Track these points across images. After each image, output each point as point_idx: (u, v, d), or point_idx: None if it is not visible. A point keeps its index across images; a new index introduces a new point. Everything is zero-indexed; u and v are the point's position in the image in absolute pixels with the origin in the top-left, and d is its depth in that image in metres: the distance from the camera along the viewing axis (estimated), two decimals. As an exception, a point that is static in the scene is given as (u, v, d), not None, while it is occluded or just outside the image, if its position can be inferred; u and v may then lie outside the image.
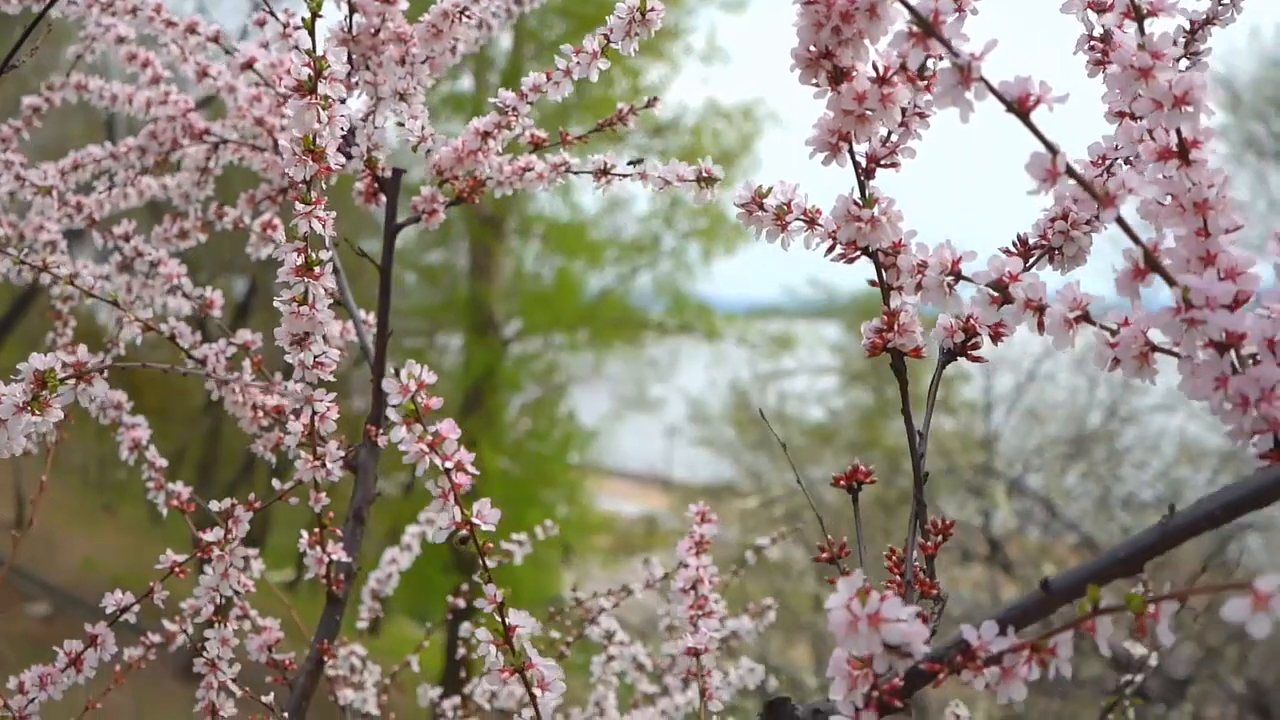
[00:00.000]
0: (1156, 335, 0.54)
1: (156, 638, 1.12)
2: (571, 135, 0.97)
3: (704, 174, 0.83)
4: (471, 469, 0.62)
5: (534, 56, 10.93)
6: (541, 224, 12.05)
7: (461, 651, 1.44)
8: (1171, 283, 0.50)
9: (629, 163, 0.90)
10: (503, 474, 10.74)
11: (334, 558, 0.96)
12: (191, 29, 1.08)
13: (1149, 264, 0.51)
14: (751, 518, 8.29)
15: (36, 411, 0.67)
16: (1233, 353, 0.52)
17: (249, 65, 1.01)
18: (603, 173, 0.94)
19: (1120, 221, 0.51)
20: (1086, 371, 7.79)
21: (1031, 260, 0.68)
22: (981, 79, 0.49)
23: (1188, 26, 0.73)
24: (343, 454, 0.90)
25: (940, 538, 0.62)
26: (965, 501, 6.32)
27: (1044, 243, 0.67)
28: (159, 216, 1.30)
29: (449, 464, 0.61)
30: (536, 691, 0.64)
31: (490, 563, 0.65)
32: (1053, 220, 0.67)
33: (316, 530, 0.95)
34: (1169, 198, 0.54)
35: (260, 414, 1.01)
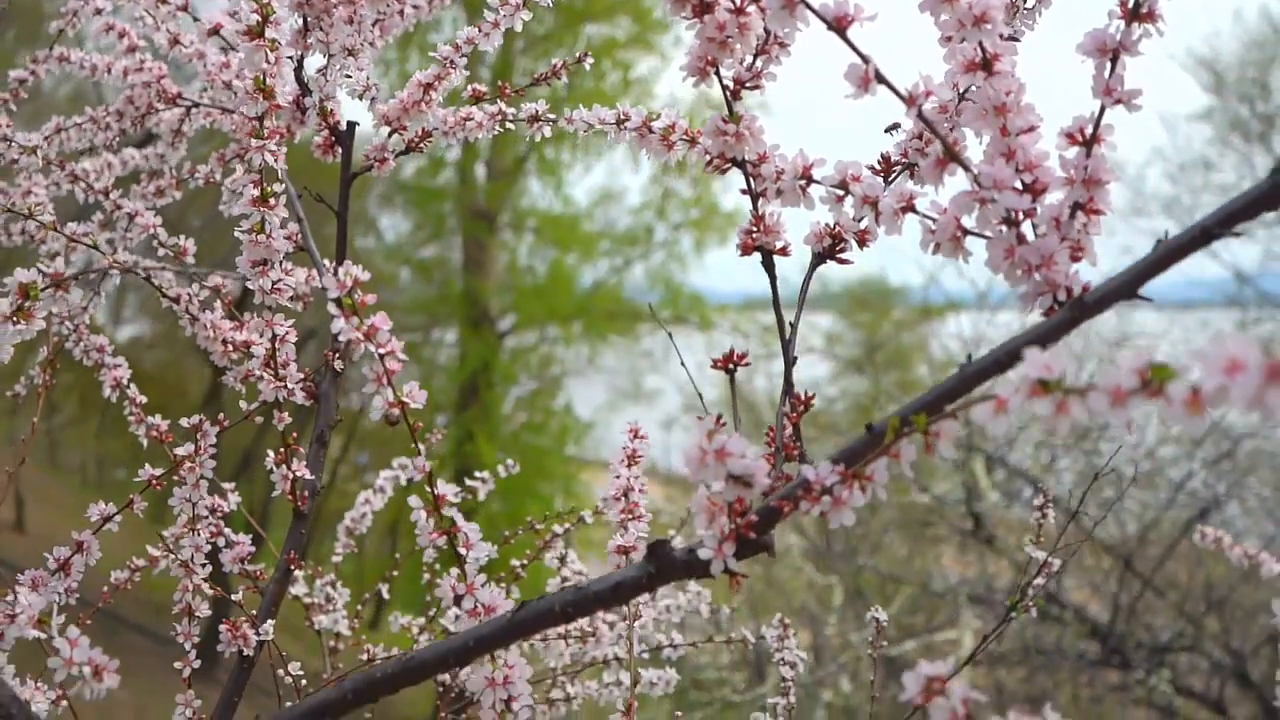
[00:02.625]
0: (969, 223, 0.64)
1: (141, 561, 1.21)
2: (509, 88, 1.07)
3: (621, 116, 0.92)
4: (402, 356, 0.71)
5: (524, 50, 11.02)
6: (534, 218, 12.15)
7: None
8: (967, 169, 0.60)
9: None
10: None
11: (298, 475, 1.06)
12: (162, -1, 1.17)
13: (949, 155, 0.61)
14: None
15: (21, 319, 0.76)
16: (1031, 230, 0.62)
17: (215, 31, 1.11)
18: (534, 119, 1.03)
19: (922, 118, 0.60)
20: (1072, 350, 7.88)
21: (894, 175, 0.77)
22: (803, 2, 0.59)
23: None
24: (302, 375, 0.99)
25: (804, 408, 0.72)
26: (948, 475, 6.43)
27: (904, 160, 0.77)
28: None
29: (382, 350, 0.71)
30: (462, 550, 0.74)
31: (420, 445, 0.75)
32: (911, 139, 0.77)
33: (282, 450, 1.05)
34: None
35: (230, 348, 1.10)
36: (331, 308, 0.71)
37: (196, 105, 1.28)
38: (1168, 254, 0.55)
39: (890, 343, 10.86)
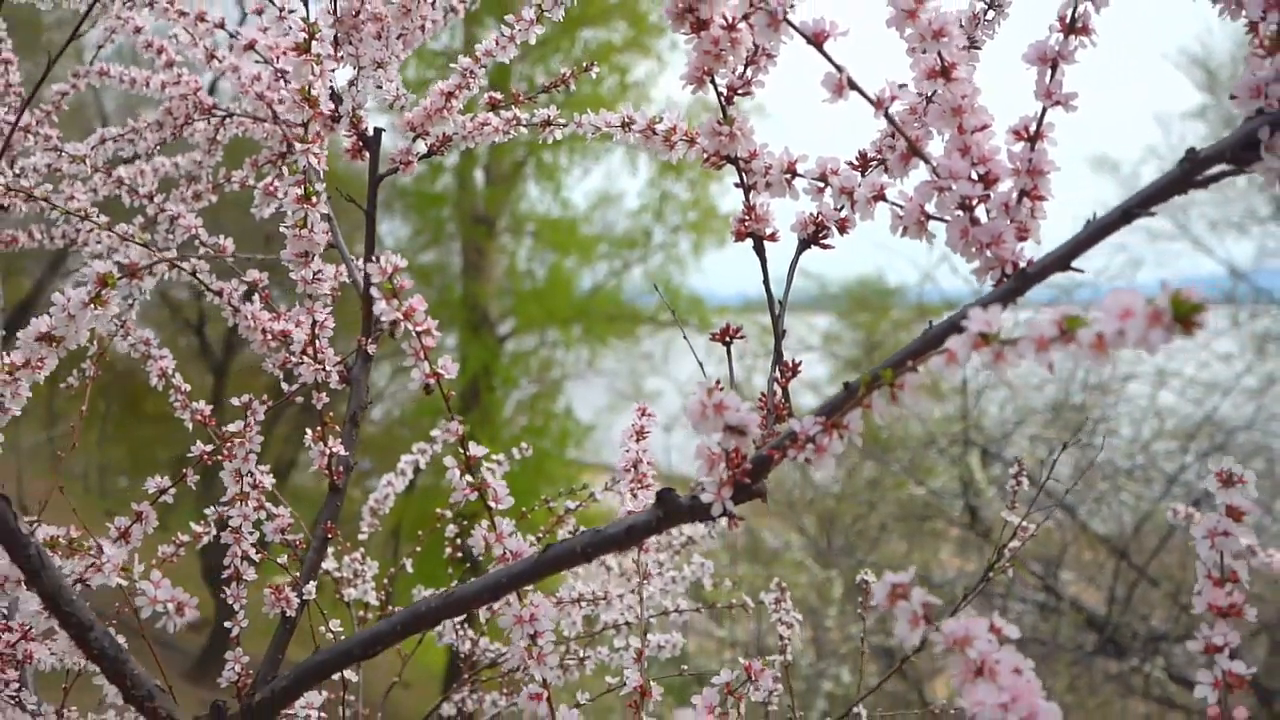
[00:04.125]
0: (931, 209, 0.74)
1: (185, 537, 1.31)
2: (521, 95, 1.17)
3: (626, 119, 1.02)
4: (436, 333, 0.81)
5: (520, 57, 11.14)
6: (533, 222, 12.26)
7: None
8: (927, 162, 0.70)
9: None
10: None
11: (334, 452, 1.16)
12: (201, 17, 1.27)
13: (911, 150, 0.71)
14: (755, 509, 8.52)
15: (99, 306, 0.86)
16: (985, 213, 0.72)
17: (251, 46, 1.21)
18: (546, 124, 1.13)
19: (889, 119, 0.70)
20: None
21: (870, 169, 0.87)
22: (786, 20, 0.69)
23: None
24: (339, 360, 1.09)
25: (791, 373, 0.82)
26: (945, 470, 6.53)
27: (878, 156, 0.87)
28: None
29: (420, 329, 0.81)
30: (492, 504, 0.84)
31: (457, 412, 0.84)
32: (884, 138, 0.87)
33: (319, 428, 1.15)
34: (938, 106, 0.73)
35: (269, 337, 1.20)
36: (374, 291, 0.81)
37: (230, 115, 1.38)
38: (1096, 231, 0.65)
39: (889, 341, 10.95)
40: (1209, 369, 8.36)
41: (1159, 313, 0.47)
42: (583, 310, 12.04)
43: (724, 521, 0.76)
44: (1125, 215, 0.64)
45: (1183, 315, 0.47)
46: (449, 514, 1.62)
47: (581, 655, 1.43)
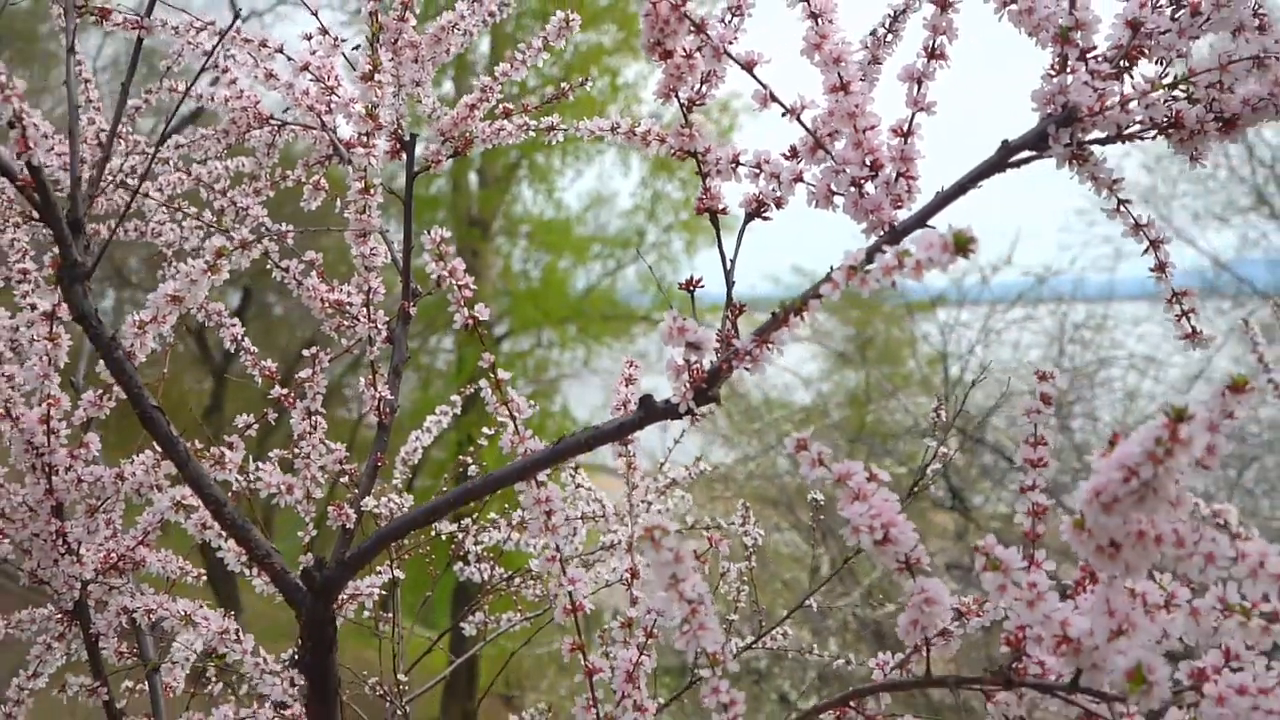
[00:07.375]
0: (835, 187, 1.02)
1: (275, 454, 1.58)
2: (530, 105, 1.45)
3: (615, 125, 1.30)
4: (472, 286, 1.09)
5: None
6: (527, 223, 12.52)
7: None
8: (827, 153, 0.98)
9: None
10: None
11: (383, 396, 1.43)
12: (263, 44, 1.55)
13: (817, 144, 0.98)
14: (748, 497, 8.83)
15: (213, 274, 1.13)
16: (872, 189, 1.00)
17: (306, 67, 1.48)
18: (551, 129, 1.41)
19: (800, 121, 0.98)
20: (1052, 334, 8.36)
21: (796, 159, 1.14)
22: (726, 51, 0.96)
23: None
24: (388, 319, 1.37)
25: (740, 311, 1.09)
26: (927, 452, 6.82)
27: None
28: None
29: (461, 282, 1.08)
30: (516, 413, 1.11)
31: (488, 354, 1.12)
32: (804, 137, 1.14)
33: (370, 376, 1.42)
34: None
35: (325, 304, 1.48)
36: (425, 255, 1.08)
37: (285, 124, 1.65)
38: (940, 201, 0.93)
39: (879, 336, 11.22)
40: (1189, 356, 8.66)
41: (947, 243, 0.75)
42: (577, 310, 12.29)
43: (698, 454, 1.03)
44: (960, 189, 0.92)
45: (961, 245, 0.75)
46: (469, 461, 1.90)
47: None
